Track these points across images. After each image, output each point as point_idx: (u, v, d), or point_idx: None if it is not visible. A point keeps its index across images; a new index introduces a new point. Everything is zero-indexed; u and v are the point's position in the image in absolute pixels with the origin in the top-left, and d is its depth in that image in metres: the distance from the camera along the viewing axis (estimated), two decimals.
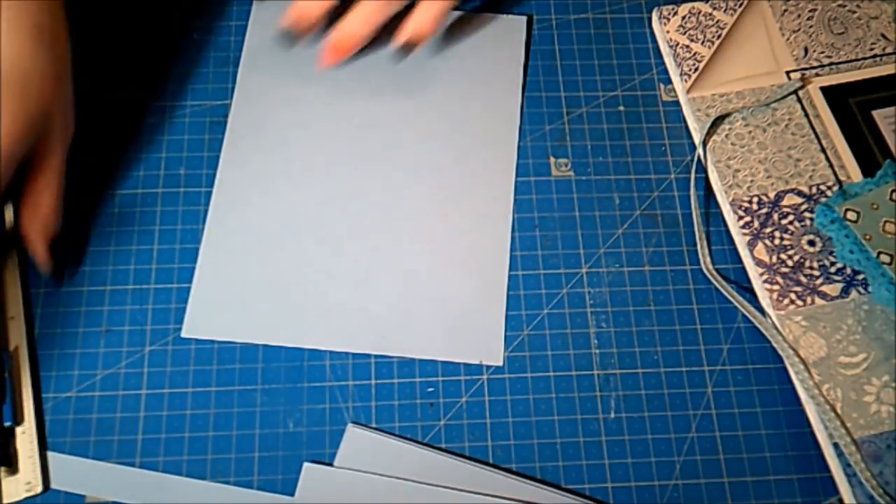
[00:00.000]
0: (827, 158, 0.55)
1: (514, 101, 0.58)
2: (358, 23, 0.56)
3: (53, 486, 0.47)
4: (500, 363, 0.51)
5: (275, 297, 0.52)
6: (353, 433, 0.49)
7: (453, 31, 0.60)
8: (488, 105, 0.58)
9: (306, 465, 0.48)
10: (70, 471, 0.47)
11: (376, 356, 0.51)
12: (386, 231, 0.54)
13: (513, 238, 0.54)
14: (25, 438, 0.47)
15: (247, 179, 0.55)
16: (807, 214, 0.53)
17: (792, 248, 0.52)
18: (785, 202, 0.53)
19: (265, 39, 0.59)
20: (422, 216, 0.54)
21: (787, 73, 0.57)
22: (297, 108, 0.57)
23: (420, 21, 0.57)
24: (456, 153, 0.56)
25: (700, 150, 0.55)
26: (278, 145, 0.56)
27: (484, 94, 0.58)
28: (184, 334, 0.51)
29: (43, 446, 0.48)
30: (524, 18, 0.60)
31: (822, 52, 0.58)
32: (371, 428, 0.49)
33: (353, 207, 0.54)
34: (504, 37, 0.60)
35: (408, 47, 0.57)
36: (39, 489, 0.46)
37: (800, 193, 0.54)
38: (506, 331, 0.52)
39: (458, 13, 0.60)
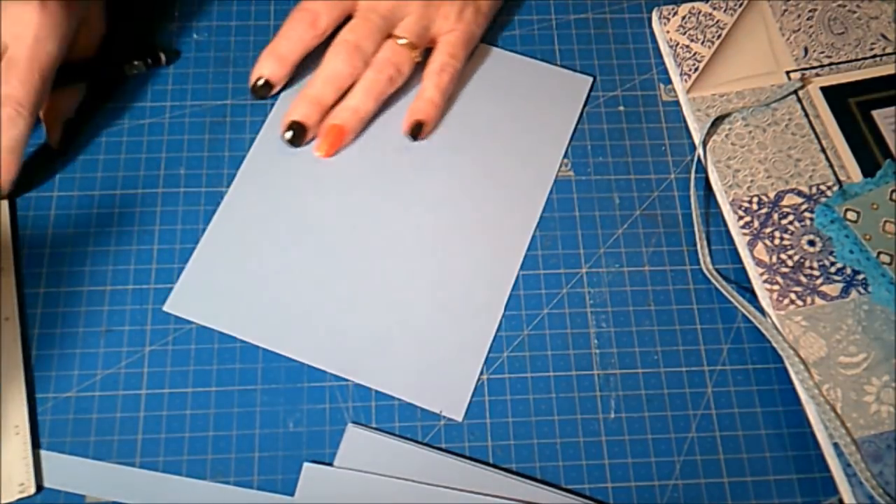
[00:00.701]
0: (827, 158, 0.55)
1: (554, 162, 0.56)
2: (361, 97, 0.55)
3: (50, 485, 0.47)
4: (460, 418, 0.50)
5: (264, 297, 0.52)
6: (353, 433, 0.49)
7: (514, 75, 0.58)
8: (526, 158, 0.56)
9: (306, 465, 0.48)
10: (70, 471, 0.47)
11: None
12: (388, 260, 0.53)
13: None
14: (19, 440, 0.47)
15: (270, 174, 0.55)
16: (807, 214, 0.53)
17: (792, 248, 0.52)
18: (785, 202, 0.53)
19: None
20: (429, 254, 0.53)
21: (787, 73, 0.57)
22: None
23: (427, 100, 0.55)
24: (481, 200, 0.55)
25: (700, 150, 0.55)
26: (308, 151, 0.56)
27: (524, 147, 0.57)
28: (165, 308, 0.51)
29: (36, 446, 0.48)
30: (589, 79, 0.59)
31: (822, 52, 0.58)
32: (371, 428, 0.49)
33: (365, 228, 0.54)
34: (564, 93, 0.58)
35: (417, 129, 0.55)
36: (32, 490, 0.46)
37: (800, 193, 0.54)
38: (504, 332, 0.52)
39: (526, 59, 0.59)
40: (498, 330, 0.52)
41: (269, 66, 0.55)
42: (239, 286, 0.52)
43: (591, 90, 0.58)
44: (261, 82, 0.55)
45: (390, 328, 0.51)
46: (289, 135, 0.54)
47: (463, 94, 0.58)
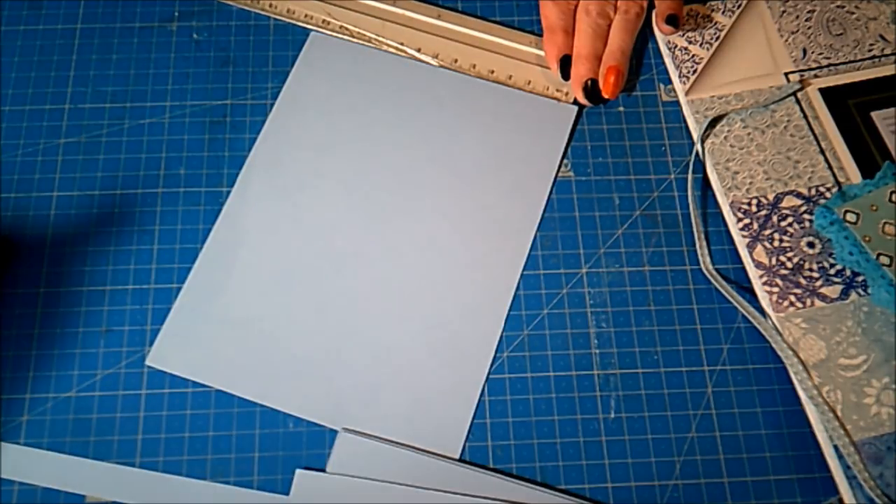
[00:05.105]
0: (826, 160, 0.55)
1: (542, 195, 0.56)
2: (623, 36, 0.58)
3: (50, 485, 0.47)
4: (457, 456, 0.49)
5: (247, 347, 0.51)
6: (344, 438, 0.49)
7: (500, 107, 0.58)
8: (514, 191, 0.55)
9: (298, 471, 0.48)
10: (70, 471, 0.47)
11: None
12: (375, 303, 0.52)
13: None
14: None
15: (251, 218, 0.54)
16: (806, 216, 0.53)
17: (791, 249, 0.52)
18: (784, 204, 0.54)
19: (310, 75, 0.58)
20: (414, 295, 0.52)
21: (786, 74, 0.57)
22: (320, 154, 0.56)
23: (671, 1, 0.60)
24: (467, 237, 0.54)
25: (698, 146, 0.55)
26: (292, 190, 0.55)
27: (512, 180, 0.56)
28: (148, 362, 0.50)
29: None
30: (574, 108, 0.58)
31: (821, 54, 0.58)
32: (363, 433, 0.49)
33: (349, 270, 0.53)
34: (551, 122, 0.58)
35: (674, 20, 0.59)
36: None
37: (799, 195, 0.54)
38: (505, 332, 0.52)
39: (511, 90, 0.58)
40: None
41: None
42: (221, 337, 0.51)
43: (576, 119, 0.58)
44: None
45: (380, 373, 0.50)
46: (587, 91, 0.57)
47: (448, 129, 0.57)
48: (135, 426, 0.49)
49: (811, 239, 0.53)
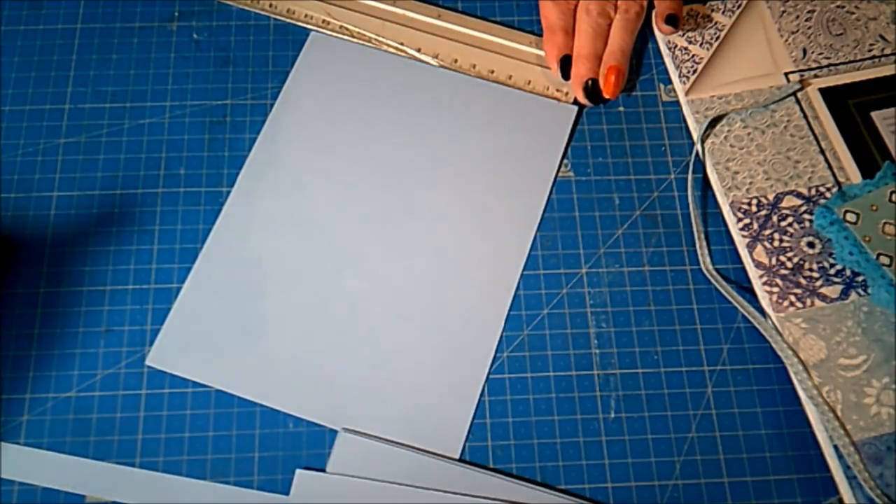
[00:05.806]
0: (826, 160, 0.55)
1: (542, 192, 0.56)
2: (623, 36, 0.58)
3: (50, 485, 0.47)
4: (457, 456, 0.49)
5: (247, 347, 0.51)
6: (344, 438, 0.49)
7: (500, 107, 0.58)
8: (514, 191, 0.55)
9: (299, 471, 0.48)
10: (70, 471, 0.47)
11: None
12: (375, 303, 0.52)
13: None
14: None
15: (251, 218, 0.54)
16: (806, 216, 0.53)
17: (791, 249, 0.52)
18: (784, 204, 0.54)
19: (310, 75, 0.58)
20: (414, 295, 0.52)
21: (786, 74, 0.57)
22: (321, 154, 0.56)
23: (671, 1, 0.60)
24: (467, 237, 0.54)
25: (698, 146, 0.55)
26: (292, 190, 0.55)
27: (512, 179, 0.56)
28: (148, 362, 0.50)
29: None
30: (574, 108, 0.58)
31: (821, 54, 0.58)
32: (363, 433, 0.49)
33: (349, 270, 0.53)
34: (551, 122, 0.57)
35: (674, 20, 0.59)
36: None
37: (799, 195, 0.54)
38: (505, 332, 0.52)
39: (511, 90, 0.58)
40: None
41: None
42: (221, 337, 0.51)
43: (576, 119, 0.58)
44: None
45: (380, 373, 0.50)
46: (587, 91, 0.57)
47: (448, 128, 0.57)
48: (135, 426, 0.49)
49: (811, 239, 0.53)
